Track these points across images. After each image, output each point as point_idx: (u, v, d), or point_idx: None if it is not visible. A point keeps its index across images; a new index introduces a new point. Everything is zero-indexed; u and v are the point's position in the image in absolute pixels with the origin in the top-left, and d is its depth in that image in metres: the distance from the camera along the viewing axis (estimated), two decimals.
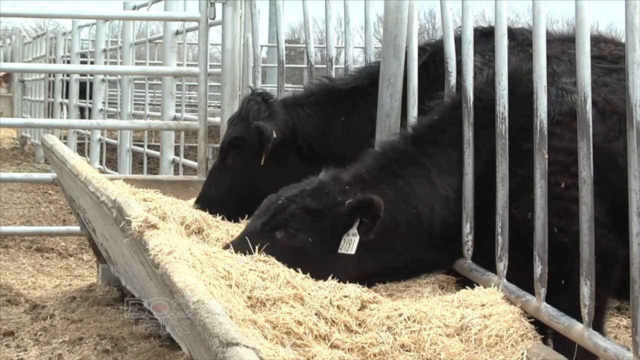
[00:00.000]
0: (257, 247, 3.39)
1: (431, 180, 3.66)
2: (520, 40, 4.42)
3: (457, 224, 3.66)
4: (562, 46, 4.04)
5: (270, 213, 3.58)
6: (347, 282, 3.33)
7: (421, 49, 4.52)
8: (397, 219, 3.58)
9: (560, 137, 3.31)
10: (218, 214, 4.37)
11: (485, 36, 4.40)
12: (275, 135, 4.59)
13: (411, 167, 3.69)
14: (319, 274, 3.34)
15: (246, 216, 4.30)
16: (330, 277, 3.33)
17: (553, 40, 4.17)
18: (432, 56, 4.53)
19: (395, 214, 3.58)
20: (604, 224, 3.17)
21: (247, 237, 3.47)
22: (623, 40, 4.14)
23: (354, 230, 3.46)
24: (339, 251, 3.46)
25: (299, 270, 3.31)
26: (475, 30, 4.51)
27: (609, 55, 3.92)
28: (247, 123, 4.72)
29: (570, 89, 3.63)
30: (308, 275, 3.31)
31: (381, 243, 3.55)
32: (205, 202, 4.64)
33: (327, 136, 4.69)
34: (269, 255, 3.37)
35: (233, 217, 4.42)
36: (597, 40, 4.05)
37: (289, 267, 3.33)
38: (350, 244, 3.46)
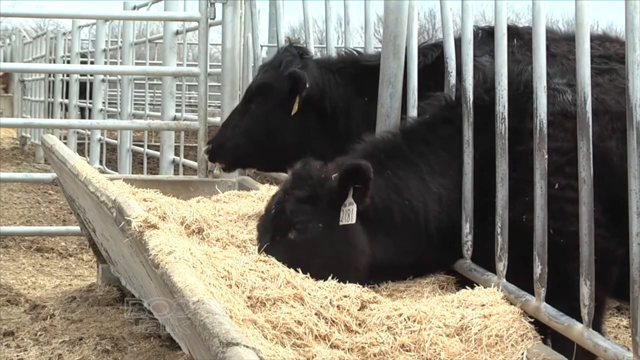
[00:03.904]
0: (282, 261, 3.35)
1: (422, 177, 3.67)
2: (527, 39, 4.40)
3: (451, 224, 3.66)
4: (568, 45, 4.04)
5: (271, 224, 3.56)
6: (364, 260, 3.45)
7: (433, 46, 4.52)
8: (390, 206, 3.58)
9: (552, 138, 3.31)
10: (228, 155, 4.64)
11: (491, 36, 4.39)
12: (308, 85, 4.60)
13: (401, 162, 3.70)
14: (345, 253, 3.43)
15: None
16: (346, 261, 3.43)
17: (559, 39, 4.17)
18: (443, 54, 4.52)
19: (388, 201, 3.58)
20: (601, 224, 3.16)
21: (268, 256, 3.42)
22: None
23: (350, 199, 3.46)
24: (340, 223, 3.45)
25: (330, 257, 3.40)
26: (482, 29, 4.52)
27: (614, 54, 3.91)
28: (278, 72, 4.75)
29: (562, 89, 3.63)
30: (338, 257, 3.42)
31: (379, 230, 3.55)
32: (220, 141, 4.86)
33: (350, 111, 4.71)
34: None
35: (241, 160, 4.66)
36: (602, 40, 4.05)
37: (318, 259, 3.37)
38: (349, 213, 3.45)
